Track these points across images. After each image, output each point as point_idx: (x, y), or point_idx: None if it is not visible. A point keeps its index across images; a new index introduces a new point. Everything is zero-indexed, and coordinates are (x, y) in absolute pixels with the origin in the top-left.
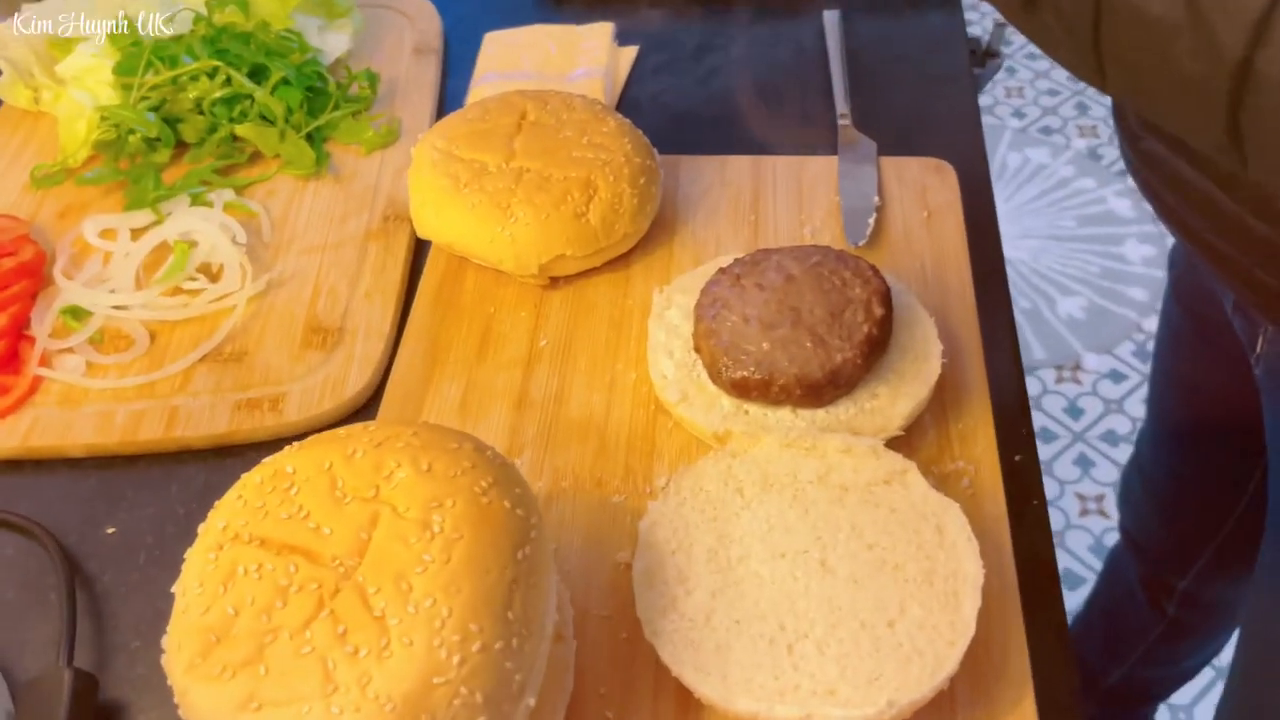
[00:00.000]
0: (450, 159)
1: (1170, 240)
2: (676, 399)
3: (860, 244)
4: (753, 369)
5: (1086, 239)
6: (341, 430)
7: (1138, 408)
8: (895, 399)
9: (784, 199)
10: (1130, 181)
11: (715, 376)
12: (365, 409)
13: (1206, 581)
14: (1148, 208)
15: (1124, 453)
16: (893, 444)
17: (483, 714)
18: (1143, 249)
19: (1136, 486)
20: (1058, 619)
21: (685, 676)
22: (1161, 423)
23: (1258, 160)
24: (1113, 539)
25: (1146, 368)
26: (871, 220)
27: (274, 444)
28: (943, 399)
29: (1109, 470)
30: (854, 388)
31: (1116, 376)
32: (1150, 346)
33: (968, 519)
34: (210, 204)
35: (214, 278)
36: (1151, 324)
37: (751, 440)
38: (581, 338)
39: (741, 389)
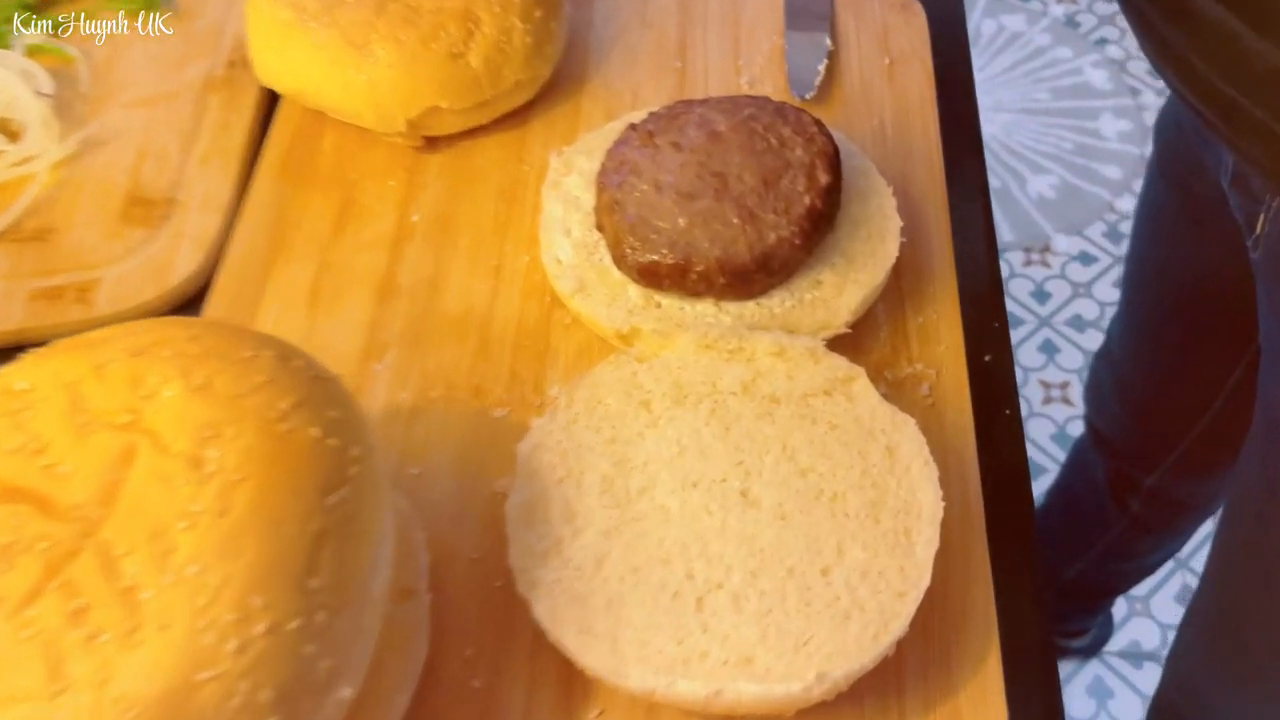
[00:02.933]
0: None
1: (1149, 111)
2: (573, 289)
3: (807, 97)
4: (665, 251)
5: (1060, 113)
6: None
7: (1107, 292)
8: (842, 288)
9: (718, 42)
10: (1108, 51)
11: (620, 260)
12: (197, 300)
13: (1175, 480)
14: (1126, 79)
15: (1091, 339)
16: (837, 344)
17: (273, 715)
18: (1119, 124)
19: (1105, 379)
20: (1029, 553)
21: (566, 641)
22: (1136, 311)
23: None
24: (1076, 428)
25: (1118, 250)
26: (821, 68)
27: None
28: (900, 287)
29: (1074, 356)
30: (791, 274)
31: (1086, 259)
32: (1123, 228)
33: (926, 437)
34: (9, 45)
35: (15, 137)
36: (1125, 204)
37: (663, 341)
38: (464, 212)
39: (651, 276)
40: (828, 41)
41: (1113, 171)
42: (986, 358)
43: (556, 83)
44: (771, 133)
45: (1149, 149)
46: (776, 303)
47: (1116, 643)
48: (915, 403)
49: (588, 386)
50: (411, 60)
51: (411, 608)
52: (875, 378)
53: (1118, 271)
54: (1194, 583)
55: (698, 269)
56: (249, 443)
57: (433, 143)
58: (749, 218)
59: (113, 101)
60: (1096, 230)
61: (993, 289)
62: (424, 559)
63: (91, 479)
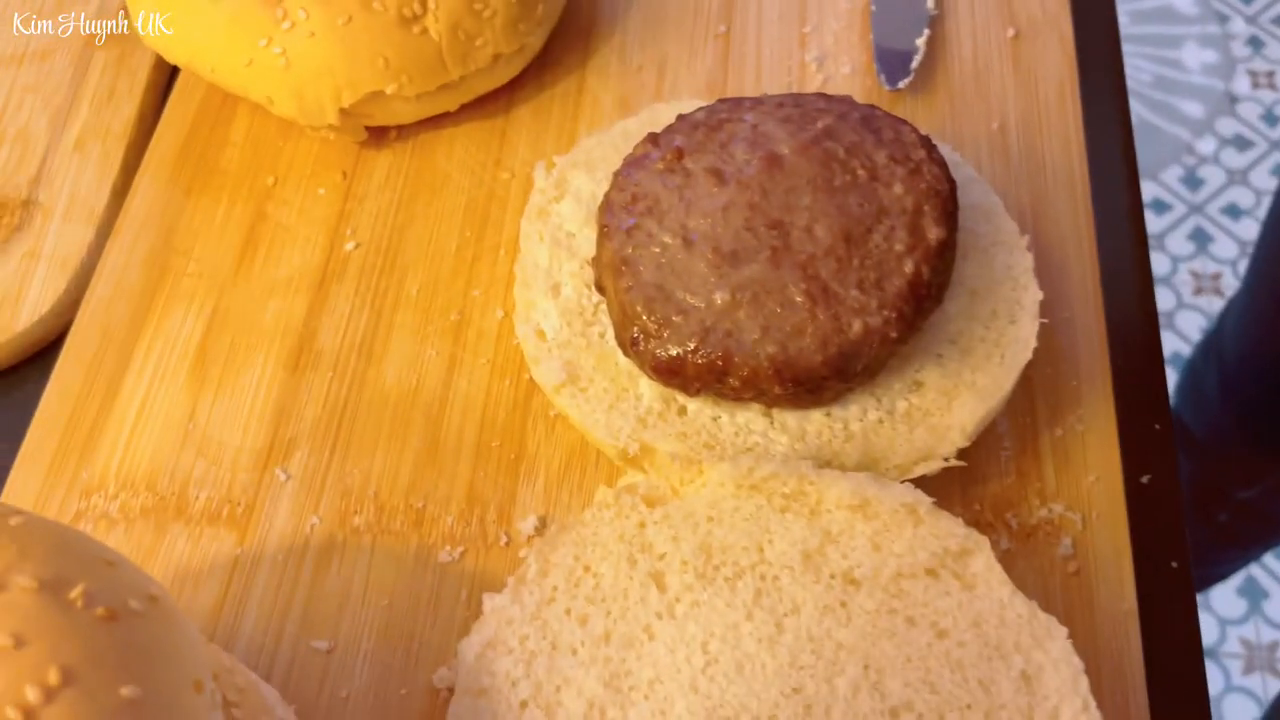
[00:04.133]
0: None
1: (1238, 40)
2: (559, 379)
3: (900, 85)
4: (694, 343)
5: (1138, 39)
6: None
7: (1180, 244)
8: (953, 395)
9: (776, 1)
10: None
11: (627, 346)
12: (52, 350)
13: (1277, 497)
14: (1214, 3)
15: (1161, 298)
16: (939, 477)
17: None
18: (1203, 54)
19: (1210, 377)
20: None
21: None
22: (1263, 304)
23: None
24: None
25: (1195, 198)
26: (920, 43)
27: None
28: (1029, 381)
29: None
30: (878, 373)
31: (1159, 207)
32: (1203, 173)
33: (1072, 634)
34: None
35: None
36: (1206, 146)
37: (687, 469)
38: (417, 239)
39: (674, 374)
40: (929, 4)
41: (1194, 108)
42: (1144, 479)
43: (552, 53)
44: (858, 158)
45: (1235, 84)
46: (855, 415)
47: None
48: (1052, 569)
49: (571, 544)
50: (345, 26)
51: None
52: (994, 524)
53: (1193, 223)
54: (1260, 575)
55: (742, 373)
56: None
57: (380, 135)
58: (822, 296)
59: None
60: (1172, 175)
61: (1153, 371)
62: None
63: None
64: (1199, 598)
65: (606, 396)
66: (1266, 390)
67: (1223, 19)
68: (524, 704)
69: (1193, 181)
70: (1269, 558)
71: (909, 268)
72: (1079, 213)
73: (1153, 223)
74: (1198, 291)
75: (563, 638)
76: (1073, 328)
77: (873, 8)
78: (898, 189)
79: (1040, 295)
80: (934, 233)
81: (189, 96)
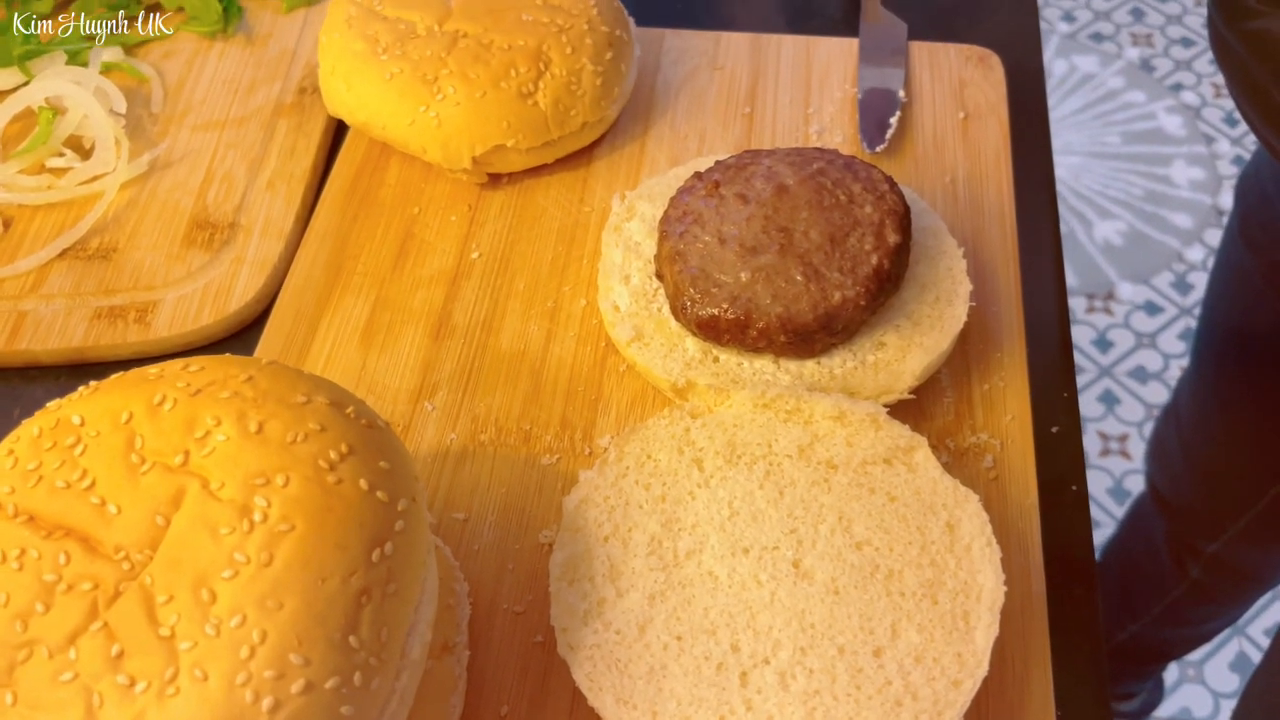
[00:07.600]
0: (371, 17)
1: (1223, 160)
2: (629, 337)
3: (878, 150)
4: (726, 305)
5: (1131, 158)
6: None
7: (1172, 344)
8: (906, 351)
9: (788, 89)
10: (1184, 97)
11: (678, 311)
12: (253, 328)
13: (1238, 548)
14: (1200, 126)
15: (1154, 392)
16: (899, 409)
17: None
18: (1191, 171)
19: (1171, 441)
20: (1091, 643)
21: (604, 710)
22: (1208, 375)
23: None
24: (1134, 483)
25: (1184, 301)
26: (894, 120)
27: (138, 364)
28: (965, 352)
29: (1135, 409)
30: (854, 335)
31: (1151, 309)
32: (1192, 278)
33: (988, 514)
34: (86, 62)
35: (86, 155)
36: (1195, 254)
37: (719, 396)
38: (523, 251)
39: (710, 330)
40: (901, 94)
41: (1183, 220)
42: (1054, 428)
43: (622, 124)
44: (841, 188)
45: (1222, 199)
46: (838, 363)
47: (1167, 709)
48: (978, 475)
49: (639, 440)
50: (481, 98)
51: (450, 662)
52: (937, 446)
53: (1184, 324)
54: (1251, 651)
55: (758, 325)
56: (298, 492)
57: (496, 180)
58: (813, 275)
59: (183, 123)
60: (1164, 280)
61: (1063, 355)
62: (465, 612)
63: (138, 520)
64: (1191, 670)
65: (662, 349)
66: (1217, 446)
67: (1209, 140)
68: (605, 538)
69: (1182, 286)
70: (1258, 634)
71: (874, 260)
72: (1007, 240)
73: (1146, 323)
74: None
75: (633, 497)
76: (999, 319)
77: (859, 95)
78: (868, 208)
79: (970, 287)
80: (892, 238)
81: (354, 151)
